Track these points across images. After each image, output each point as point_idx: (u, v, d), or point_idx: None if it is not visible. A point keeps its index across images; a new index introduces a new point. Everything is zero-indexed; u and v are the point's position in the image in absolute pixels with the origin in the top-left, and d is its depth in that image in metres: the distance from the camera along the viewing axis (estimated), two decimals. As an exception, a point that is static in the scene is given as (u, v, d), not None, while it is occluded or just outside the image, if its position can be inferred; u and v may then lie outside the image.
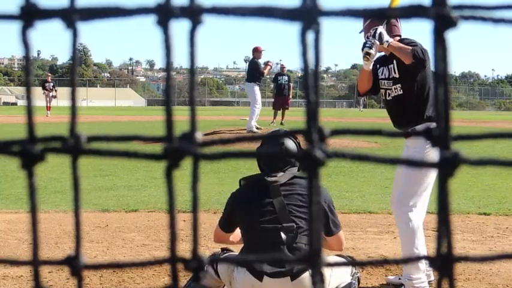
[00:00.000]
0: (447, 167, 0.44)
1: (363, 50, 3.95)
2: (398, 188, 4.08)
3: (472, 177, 8.92)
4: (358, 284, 3.66)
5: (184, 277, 3.35)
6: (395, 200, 4.12)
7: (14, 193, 7.67)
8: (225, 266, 3.39)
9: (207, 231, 5.77)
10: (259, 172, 3.47)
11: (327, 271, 3.25)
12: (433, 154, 3.84)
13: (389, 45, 3.91)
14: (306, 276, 3.18)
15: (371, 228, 5.99)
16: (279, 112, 19.66)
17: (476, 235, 5.78)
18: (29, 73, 0.45)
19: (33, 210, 0.48)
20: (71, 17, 0.45)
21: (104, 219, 6.32)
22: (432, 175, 4.01)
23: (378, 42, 3.90)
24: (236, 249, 3.69)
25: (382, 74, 4.18)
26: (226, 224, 3.56)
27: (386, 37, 3.91)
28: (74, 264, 0.47)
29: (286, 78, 19.62)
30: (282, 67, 20.36)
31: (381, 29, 3.92)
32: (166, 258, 0.45)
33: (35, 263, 0.47)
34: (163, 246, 5.38)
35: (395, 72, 4.07)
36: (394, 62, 4.06)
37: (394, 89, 4.11)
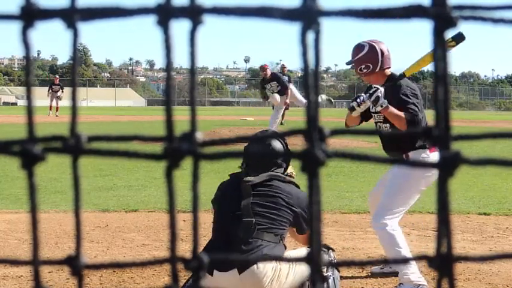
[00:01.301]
0: (447, 167, 0.44)
1: (351, 102, 4.10)
2: (380, 200, 4.14)
3: (472, 177, 8.91)
4: (339, 271, 3.68)
5: (184, 277, 3.35)
6: (373, 212, 4.19)
7: (14, 193, 7.67)
8: None
9: (207, 231, 5.77)
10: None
11: (285, 265, 3.29)
12: (423, 175, 3.91)
13: (382, 110, 3.97)
14: (254, 268, 3.24)
15: (371, 228, 5.99)
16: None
17: (476, 235, 5.78)
18: (29, 73, 0.45)
19: (33, 210, 0.48)
20: (71, 17, 0.44)
21: (104, 219, 6.32)
22: (416, 197, 4.09)
23: (368, 103, 4.00)
24: None
25: (372, 108, 4.19)
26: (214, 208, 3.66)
27: (381, 102, 3.95)
28: (74, 264, 0.47)
29: (286, 78, 19.67)
30: (283, 67, 20.41)
31: (379, 93, 3.98)
32: (167, 258, 0.45)
33: (35, 263, 0.47)
34: (163, 246, 5.38)
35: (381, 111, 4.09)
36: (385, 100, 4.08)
37: (384, 126, 4.18)
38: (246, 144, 3.57)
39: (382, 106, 3.95)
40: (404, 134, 4.06)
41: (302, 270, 3.43)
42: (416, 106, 3.95)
